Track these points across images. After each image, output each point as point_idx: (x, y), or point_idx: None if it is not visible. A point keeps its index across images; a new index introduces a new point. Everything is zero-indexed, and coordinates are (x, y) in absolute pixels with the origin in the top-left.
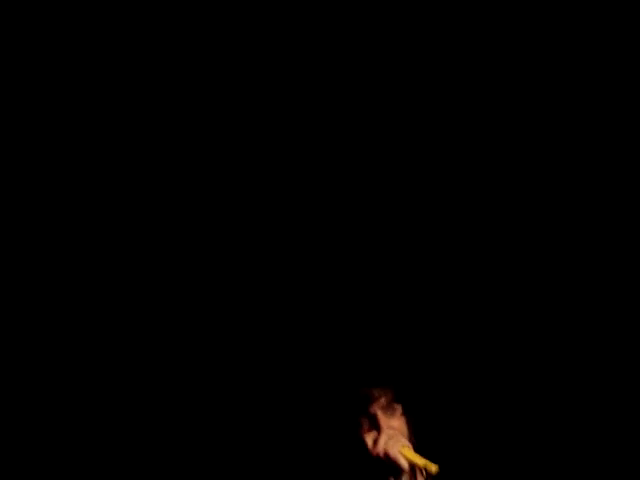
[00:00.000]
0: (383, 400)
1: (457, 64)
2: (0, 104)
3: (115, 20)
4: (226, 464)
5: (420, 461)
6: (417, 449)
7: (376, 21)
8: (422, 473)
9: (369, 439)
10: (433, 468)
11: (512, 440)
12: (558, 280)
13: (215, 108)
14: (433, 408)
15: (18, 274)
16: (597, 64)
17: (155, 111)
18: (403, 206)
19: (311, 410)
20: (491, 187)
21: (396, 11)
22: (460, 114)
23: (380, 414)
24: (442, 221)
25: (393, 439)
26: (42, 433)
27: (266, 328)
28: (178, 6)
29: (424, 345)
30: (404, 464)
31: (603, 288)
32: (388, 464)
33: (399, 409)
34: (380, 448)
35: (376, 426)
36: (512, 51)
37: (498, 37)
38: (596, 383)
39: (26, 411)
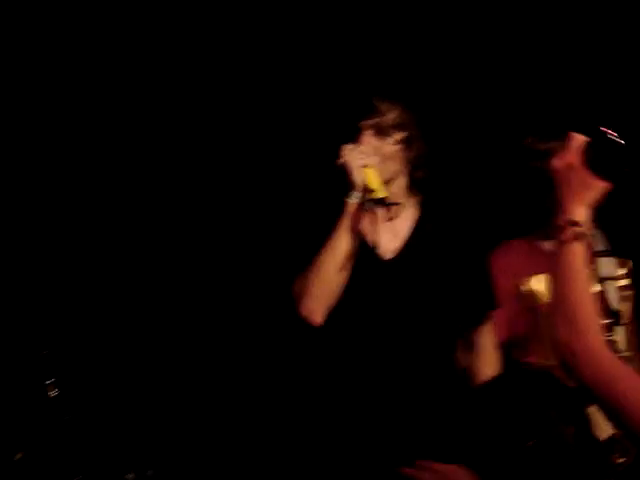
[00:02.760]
0: (383, 119)
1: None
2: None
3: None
4: None
5: (373, 183)
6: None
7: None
8: (370, 195)
9: (345, 147)
10: (380, 193)
11: None
12: None
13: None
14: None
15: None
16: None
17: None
18: None
19: None
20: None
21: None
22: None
23: (369, 130)
24: None
25: (360, 154)
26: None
27: None
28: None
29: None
30: (356, 180)
31: None
32: (347, 176)
33: (401, 137)
34: (343, 157)
35: (360, 138)
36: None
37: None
38: None
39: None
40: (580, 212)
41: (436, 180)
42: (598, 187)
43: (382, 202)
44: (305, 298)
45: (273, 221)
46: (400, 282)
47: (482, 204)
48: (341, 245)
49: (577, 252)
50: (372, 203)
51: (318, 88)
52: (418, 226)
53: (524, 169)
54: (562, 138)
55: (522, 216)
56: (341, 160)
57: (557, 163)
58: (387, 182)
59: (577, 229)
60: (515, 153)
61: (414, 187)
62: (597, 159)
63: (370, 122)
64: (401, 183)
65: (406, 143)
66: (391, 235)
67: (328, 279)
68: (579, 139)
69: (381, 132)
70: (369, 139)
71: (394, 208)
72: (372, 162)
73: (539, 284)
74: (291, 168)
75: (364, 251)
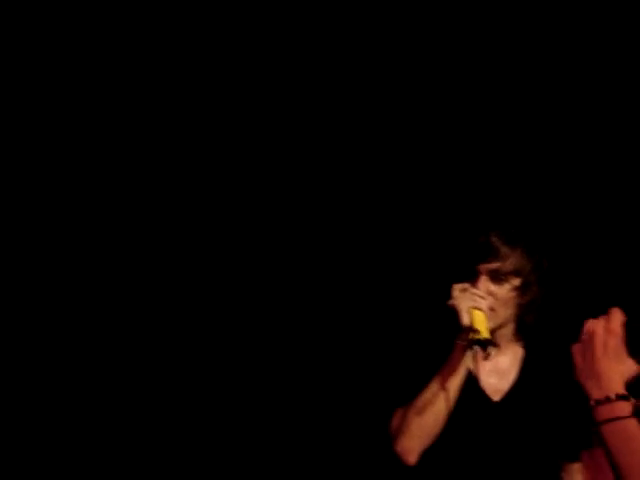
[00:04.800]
0: (501, 264)
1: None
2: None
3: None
4: None
5: (477, 324)
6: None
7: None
8: (473, 337)
9: (456, 287)
10: (482, 335)
11: None
12: None
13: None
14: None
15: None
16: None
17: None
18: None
19: None
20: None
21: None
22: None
23: (486, 274)
24: None
25: (472, 297)
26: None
27: None
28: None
29: None
30: (464, 322)
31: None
32: (456, 317)
33: (516, 282)
34: (453, 299)
35: (473, 281)
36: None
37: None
38: None
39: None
40: (620, 383)
41: (543, 322)
42: (632, 366)
43: (485, 344)
44: (402, 435)
45: (379, 354)
46: (507, 424)
47: None
48: (447, 386)
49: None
50: (475, 344)
51: (435, 227)
52: (524, 368)
53: None
54: None
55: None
56: (452, 301)
57: (596, 325)
58: (499, 327)
59: (630, 402)
60: None
61: (522, 330)
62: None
63: (489, 266)
64: (511, 327)
65: (522, 289)
66: (498, 377)
67: (429, 419)
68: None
69: (499, 277)
70: (486, 283)
71: (495, 350)
72: (483, 306)
73: None
74: (402, 304)
75: (470, 392)
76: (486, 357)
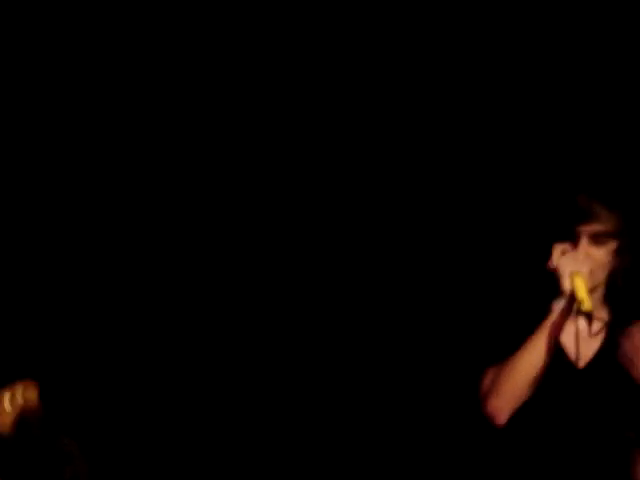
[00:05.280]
0: (601, 227)
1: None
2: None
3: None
4: None
5: (581, 293)
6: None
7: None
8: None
9: (557, 249)
10: (586, 305)
11: None
12: None
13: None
14: None
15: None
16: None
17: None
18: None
19: None
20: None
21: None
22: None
23: (587, 235)
24: None
25: (573, 261)
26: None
27: None
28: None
29: None
30: (565, 287)
31: None
32: (556, 280)
33: (614, 245)
34: (554, 261)
35: (573, 243)
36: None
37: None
38: None
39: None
40: None
41: (630, 288)
42: None
43: (586, 314)
44: (493, 395)
45: (473, 313)
46: (591, 392)
47: None
48: (540, 348)
49: None
50: (576, 313)
51: (535, 188)
52: (610, 335)
53: None
54: None
55: None
56: (552, 264)
57: None
58: (591, 291)
59: None
60: None
61: (611, 295)
62: None
63: (589, 228)
64: (601, 291)
65: (618, 252)
66: (584, 342)
67: (521, 380)
68: None
69: (598, 240)
70: (585, 246)
71: (594, 321)
72: (584, 270)
73: None
74: (502, 263)
75: (555, 357)
76: (593, 334)
